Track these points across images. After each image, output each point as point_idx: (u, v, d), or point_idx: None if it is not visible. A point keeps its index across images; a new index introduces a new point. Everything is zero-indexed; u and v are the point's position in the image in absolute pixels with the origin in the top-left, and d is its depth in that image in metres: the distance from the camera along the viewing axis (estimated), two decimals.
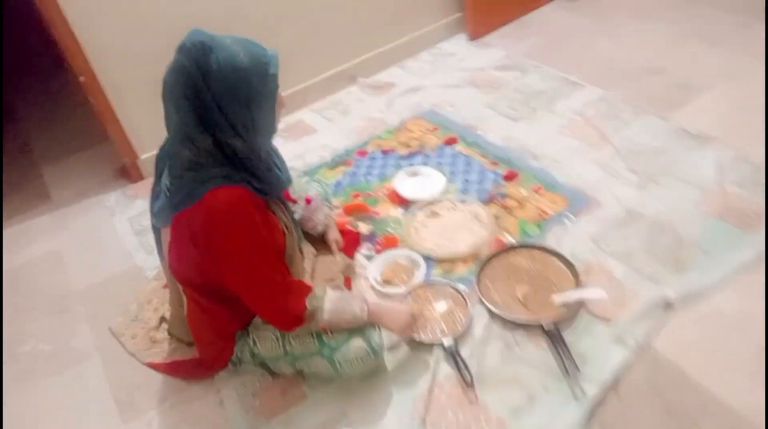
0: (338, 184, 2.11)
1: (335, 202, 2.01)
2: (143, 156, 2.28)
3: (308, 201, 1.68)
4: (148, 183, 2.24)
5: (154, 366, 1.53)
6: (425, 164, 2.12)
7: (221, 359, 1.45)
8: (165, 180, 1.26)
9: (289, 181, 1.52)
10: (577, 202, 1.86)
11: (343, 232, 1.82)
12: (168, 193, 1.24)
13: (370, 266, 1.74)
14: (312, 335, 1.35)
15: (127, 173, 2.31)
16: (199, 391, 1.48)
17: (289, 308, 1.28)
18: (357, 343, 1.34)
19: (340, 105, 2.57)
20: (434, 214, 1.89)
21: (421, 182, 2.03)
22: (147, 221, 2.00)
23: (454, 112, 2.40)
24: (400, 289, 1.65)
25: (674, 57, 2.51)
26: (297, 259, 1.49)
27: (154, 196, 1.33)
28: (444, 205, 1.91)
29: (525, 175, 2.00)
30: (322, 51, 2.56)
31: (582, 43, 2.72)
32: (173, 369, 1.51)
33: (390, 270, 1.72)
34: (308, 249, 1.66)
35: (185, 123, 1.17)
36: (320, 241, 1.73)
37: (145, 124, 2.20)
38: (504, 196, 1.93)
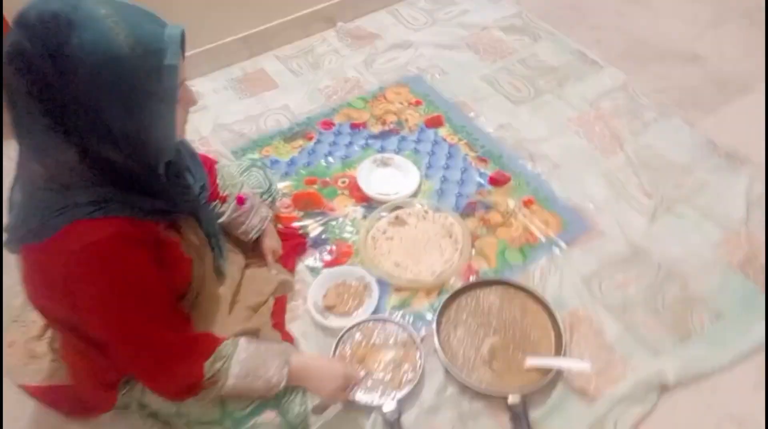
0: (292, 163, 1.74)
1: (285, 185, 1.66)
2: None
3: (240, 201, 1.33)
4: None
5: (27, 390, 1.23)
6: (399, 151, 1.76)
7: (103, 404, 1.16)
8: (15, 193, 0.91)
9: (205, 189, 1.16)
10: (574, 227, 1.53)
11: (286, 236, 1.49)
12: (15, 215, 0.89)
13: (312, 284, 1.42)
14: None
15: None
16: None
17: (180, 375, 0.97)
18: (269, 417, 1.05)
19: (311, 55, 2.14)
20: (399, 222, 1.55)
21: (390, 176, 1.67)
22: None
23: (444, 82, 1.99)
24: (343, 322, 1.34)
25: (717, 42, 2.09)
26: (210, 288, 1.16)
27: (9, 202, 0.97)
28: (414, 210, 1.57)
29: (516, 181, 1.65)
30: None
31: (613, 8, 2.28)
32: (50, 398, 1.21)
33: (336, 292, 1.40)
34: (234, 263, 1.32)
35: (34, 130, 0.80)
36: (254, 248, 1.40)
37: None
38: (487, 207, 1.59)
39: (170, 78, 0.83)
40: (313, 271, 1.47)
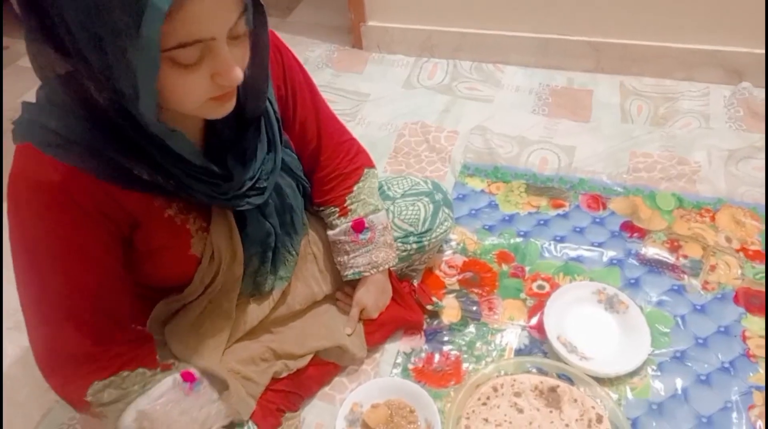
0: (509, 221, 1.24)
1: (472, 240, 1.20)
2: (370, 22, 1.73)
3: (358, 227, 0.97)
4: (364, 58, 1.75)
5: None
6: (654, 302, 1.07)
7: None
8: None
9: (271, 191, 0.82)
10: None
11: (404, 301, 1.07)
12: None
13: (373, 381, 1.00)
14: None
15: (352, 34, 1.80)
16: None
17: (60, 379, 0.74)
18: None
19: (668, 106, 1.46)
20: (550, 397, 0.95)
21: (604, 330, 1.03)
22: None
23: None
24: None
25: None
26: (221, 302, 0.87)
27: None
28: (584, 401, 0.94)
29: None
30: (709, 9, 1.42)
31: None
32: None
33: (390, 414, 0.95)
34: (308, 288, 1.01)
35: (29, 26, 0.59)
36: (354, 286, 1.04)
37: None
38: None
39: (152, 23, 0.51)
40: (397, 366, 1.04)
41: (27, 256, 0.68)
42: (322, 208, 1.00)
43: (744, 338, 1.00)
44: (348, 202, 0.98)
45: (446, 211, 1.10)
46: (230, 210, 0.79)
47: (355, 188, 0.98)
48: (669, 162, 1.32)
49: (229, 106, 0.66)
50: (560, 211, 1.25)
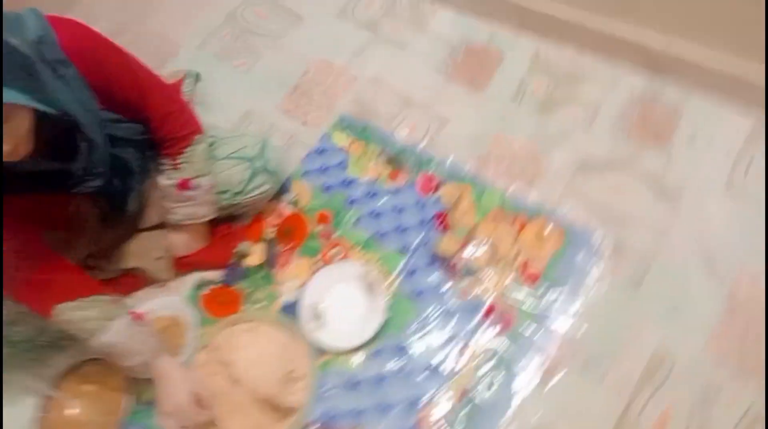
0: (347, 184, 1.33)
1: (307, 195, 1.33)
2: None
3: (182, 186, 1.14)
4: None
5: None
6: (416, 292, 1.17)
7: None
8: None
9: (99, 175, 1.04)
10: None
11: (215, 239, 1.28)
12: None
13: (158, 299, 1.26)
14: None
15: None
16: None
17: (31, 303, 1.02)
18: None
19: (572, 84, 1.34)
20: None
21: (352, 306, 1.17)
22: None
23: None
24: None
25: None
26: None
27: None
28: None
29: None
30: None
31: None
32: None
33: (166, 322, 1.21)
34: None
35: None
36: None
37: None
38: None
39: None
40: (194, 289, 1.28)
41: None
42: (160, 158, 1.15)
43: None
44: (180, 160, 1.12)
45: (265, 176, 1.23)
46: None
47: (186, 151, 1.12)
48: (524, 156, 1.28)
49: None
50: (394, 186, 1.31)
